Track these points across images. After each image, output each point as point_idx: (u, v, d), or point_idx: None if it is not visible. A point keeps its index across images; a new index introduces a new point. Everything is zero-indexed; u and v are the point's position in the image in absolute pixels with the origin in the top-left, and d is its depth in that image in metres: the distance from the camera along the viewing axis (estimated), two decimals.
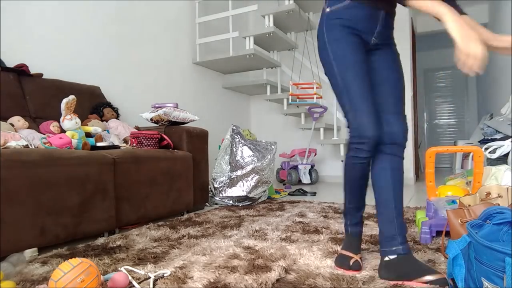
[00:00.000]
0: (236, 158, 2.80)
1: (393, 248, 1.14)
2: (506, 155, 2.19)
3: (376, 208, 1.23)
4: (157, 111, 2.38)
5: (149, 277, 1.17)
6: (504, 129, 2.55)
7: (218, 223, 2.02)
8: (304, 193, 3.30)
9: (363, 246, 1.52)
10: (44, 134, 1.91)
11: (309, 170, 4.24)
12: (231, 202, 2.71)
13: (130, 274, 1.18)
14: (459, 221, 1.30)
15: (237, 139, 2.86)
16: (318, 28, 1.25)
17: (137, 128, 2.59)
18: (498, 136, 2.54)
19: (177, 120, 2.44)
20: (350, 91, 1.15)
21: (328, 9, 1.20)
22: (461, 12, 1.14)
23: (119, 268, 1.26)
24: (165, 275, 1.21)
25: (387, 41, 1.25)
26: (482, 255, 0.83)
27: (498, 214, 0.89)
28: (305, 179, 4.15)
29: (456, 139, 6.20)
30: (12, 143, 1.62)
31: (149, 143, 2.23)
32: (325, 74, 1.25)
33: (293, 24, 4.21)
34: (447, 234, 1.49)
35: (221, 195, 2.73)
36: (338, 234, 1.71)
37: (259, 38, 3.91)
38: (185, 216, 2.30)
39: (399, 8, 1.20)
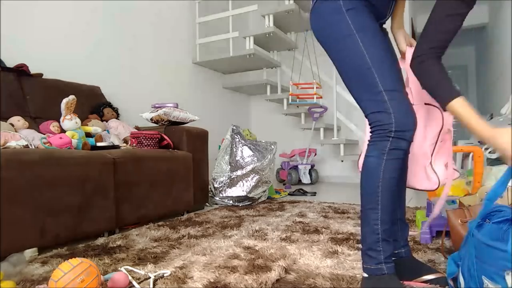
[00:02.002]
0: (236, 158, 2.80)
1: (395, 251, 1.12)
2: None
3: None
4: (157, 111, 2.38)
5: (149, 277, 1.17)
6: None
7: (218, 223, 2.02)
8: (304, 193, 3.30)
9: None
10: (44, 134, 1.91)
11: (309, 170, 4.24)
12: (231, 202, 2.71)
13: (130, 274, 1.18)
14: (459, 221, 1.30)
15: (237, 139, 2.86)
16: None
17: (137, 128, 2.59)
18: None
19: (177, 120, 2.44)
20: (383, 69, 0.97)
21: None
22: None
23: (119, 268, 1.26)
24: (165, 275, 1.21)
25: (384, 30, 1.18)
26: (484, 253, 0.83)
27: (496, 212, 0.89)
28: (305, 179, 4.15)
29: (456, 139, 6.20)
30: (12, 143, 1.62)
31: (149, 143, 2.23)
32: (334, 54, 1.05)
33: (293, 24, 4.21)
34: (447, 234, 1.49)
35: (221, 195, 2.73)
36: (338, 234, 1.71)
37: (259, 38, 3.91)
38: (185, 216, 2.30)
39: None
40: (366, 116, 1.01)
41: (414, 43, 1.15)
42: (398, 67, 1.14)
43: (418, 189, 1.15)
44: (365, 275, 1.00)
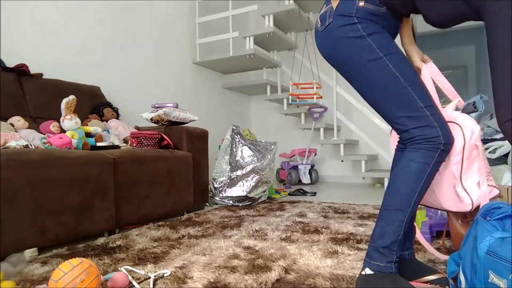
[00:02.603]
0: (236, 158, 2.80)
1: (399, 252, 1.12)
2: (506, 155, 2.19)
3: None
4: (157, 111, 2.38)
5: (149, 277, 1.17)
6: None
7: (218, 223, 2.02)
8: (304, 193, 3.30)
9: (363, 246, 1.52)
10: (44, 134, 1.91)
11: (309, 170, 4.24)
12: (231, 202, 2.71)
13: (130, 274, 1.18)
14: (459, 221, 1.30)
15: (237, 139, 2.86)
16: (339, 18, 1.03)
17: (137, 128, 2.59)
18: (498, 136, 2.54)
19: (177, 120, 2.44)
20: (418, 87, 1.00)
21: (361, 3, 1.01)
22: None
23: (119, 268, 1.26)
24: (165, 275, 1.21)
25: None
26: (497, 247, 0.82)
27: (495, 209, 0.89)
28: (305, 179, 4.15)
29: None
30: (12, 143, 1.62)
31: (149, 143, 2.23)
32: (356, 77, 1.05)
33: (293, 24, 4.21)
34: (447, 234, 1.49)
35: (221, 195, 2.73)
36: (338, 234, 1.71)
37: (259, 38, 3.91)
38: (185, 216, 2.30)
39: None
40: (404, 131, 1.01)
41: (429, 60, 1.15)
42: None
43: (452, 211, 1.12)
44: (369, 271, 0.99)
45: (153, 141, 2.25)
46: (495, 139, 2.48)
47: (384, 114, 1.04)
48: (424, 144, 0.99)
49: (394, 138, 1.22)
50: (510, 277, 0.77)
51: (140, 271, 1.22)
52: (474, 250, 0.89)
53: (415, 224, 1.17)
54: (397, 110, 1.01)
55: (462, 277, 0.93)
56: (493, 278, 0.82)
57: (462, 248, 0.98)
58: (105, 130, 2.34)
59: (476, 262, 0.86)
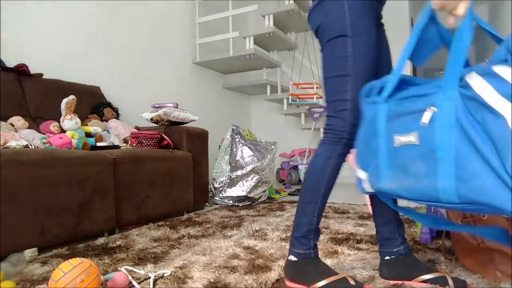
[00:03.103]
0: (236, 158, 2.80)
1: (394, 249, 1.12)
2: None
3: (372, 209, 1.20)
4: (157, 111, 2.38)
5: (149, 277, 1.17)
6: None
7: (218, 223, 2.02)
8: None
9: (363, 246, 1.52)
10: (44, 134, 1.91)
11: None
12: (231, 202, 2.71)
13: (130, 274, 1.18)
14: (459, 221, 1.30)
15: (237, 139, 2.86)
16: None
17: (137, 128, 2.59)
18: None
19: (177, 120, 2.44)
20: (359, 80, 0.98)
21: None
22: None
23: (119, 268, 1.26)
24: (165, 275, 1.21)
25: (380, 20, 1.14)
26: (400, 107, 0.79)
27: (371, 89, 0.91)
28: None
29: None
30: (12, 143, 1.62)
31: (149, 143, 2.23)
32: (324, 48, 1.05)
33: (293, 24, 4.21)
34: (447, 234, 1.49)
35: (221, 195, 2.73)
36: (338, 234, 1.71)
37: (259, 38, 3.91)
38: (185, 216, 2.30)
39: (399, 7, 1.18)
40: (327, 117, 1.05)
41: None
42: (384, 69, 1.11)
43: None
44: (294, 258, 1.07)
45: (153, 141, 2.25)
46: None
47: (324, 93, 1.06)
48: (330, 135, 1.03)
49: None
50: (421, 123, 0.71)
51: (140, 271, 1.22)
52: (372, 135, 0.86)
53: (400, 218, 1.17)
54: (331, 94, 1.02)
55: (361, 175, 0.91)
56: (400, 139, 0.76)
57: (358, 141, 0.96)
58: (105, 130, 2.34)
59: (371, 137, 0.85)
